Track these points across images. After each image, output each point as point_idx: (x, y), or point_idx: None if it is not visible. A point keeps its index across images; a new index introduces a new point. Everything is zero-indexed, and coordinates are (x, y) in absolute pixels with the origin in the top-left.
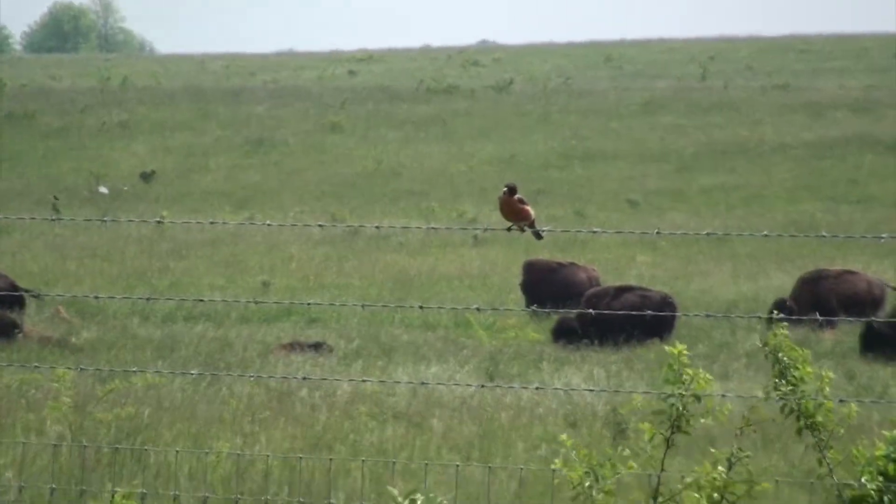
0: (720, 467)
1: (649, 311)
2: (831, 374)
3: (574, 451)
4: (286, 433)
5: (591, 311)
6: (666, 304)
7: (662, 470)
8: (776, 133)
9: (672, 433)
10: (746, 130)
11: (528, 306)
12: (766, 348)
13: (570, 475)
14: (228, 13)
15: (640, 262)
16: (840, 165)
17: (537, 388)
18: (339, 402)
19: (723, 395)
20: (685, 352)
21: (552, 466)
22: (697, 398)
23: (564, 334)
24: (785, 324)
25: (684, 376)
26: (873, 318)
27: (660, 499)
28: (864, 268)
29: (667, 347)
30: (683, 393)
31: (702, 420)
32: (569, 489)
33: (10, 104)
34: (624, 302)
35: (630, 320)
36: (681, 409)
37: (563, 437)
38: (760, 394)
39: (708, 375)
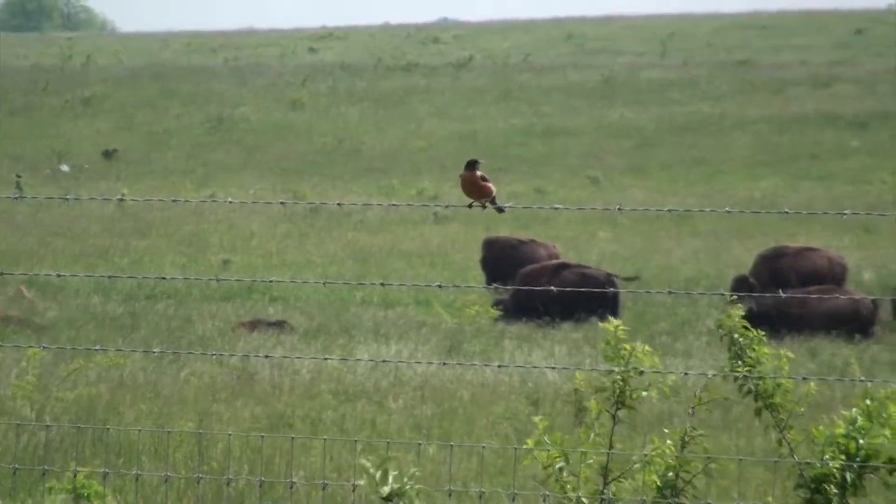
0: (670, 443)
1: (587, 290)
2: (790, 354)
3: (546, 435)
4: (248, 412)
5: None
6: (608, 282)
7: (611, 448)
8: (737, 109)
9: (617, 409)
10: (707, 107)
11: (488, 284)
12: (721, 330)
13: (541, 456)
14: None
15: (602, 238)
16: (801, 141)
17: (499, 367)
18: (300, 380)
19: (686, 373)
20: (622, 327)
21: (524, 446)
22: (639, 372)
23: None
24: (739, 305)
25: (622, 351)
26: (836, 295)
27: (610, 476)
28: (825, 244)
29: (601, 324)
30: (623, 369)
31: (644, 393)
32: (539, 469)
33: None
34: (563, 280)
35: (567, 299)
36: (622, 384)
37: (537, 419)
38: (714, 373)
39: (647, 348)
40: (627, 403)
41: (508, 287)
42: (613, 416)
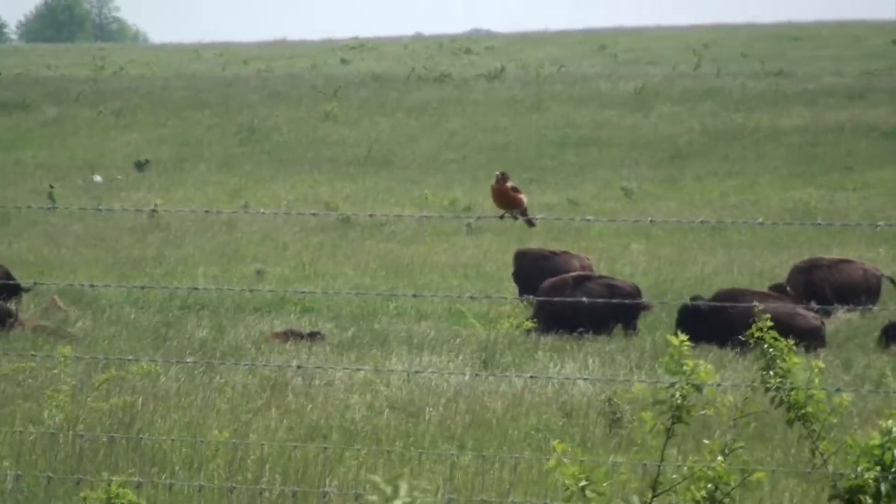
0: (719, 457)
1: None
2: (821, 365)
3: (566, 458)
4: (281, 422)
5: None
6: (636, 292)
7: (662, 461)
8: (771, 120)
9: (672, 423)
10: (741, 118)
11: (521, 295)
12: (752, 340)
13: (564, 473)
14: (221, 2)
15: (634, 250)
16: (835, 152)
17: (531, 378)
18: (333, 391)
19: (718, 385)
20: (686, 342)
21: (545, 467)
22: (698, 389)
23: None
24: (768, 315)
25: (685, 366)
26: (869, 307)
27: (658, 489)
28: (859, 256)
29: (668, 337)
30: (685, 385)
31: (703, 412)
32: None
33: (5, 93)
34: (587, 292)
35: (595, 311)
36: (681, 399)
37: (555, 443)
38: (754, 384)
39: (709, 366)
40: (684, 419)
41: (540, 298)
42: (668, 430)
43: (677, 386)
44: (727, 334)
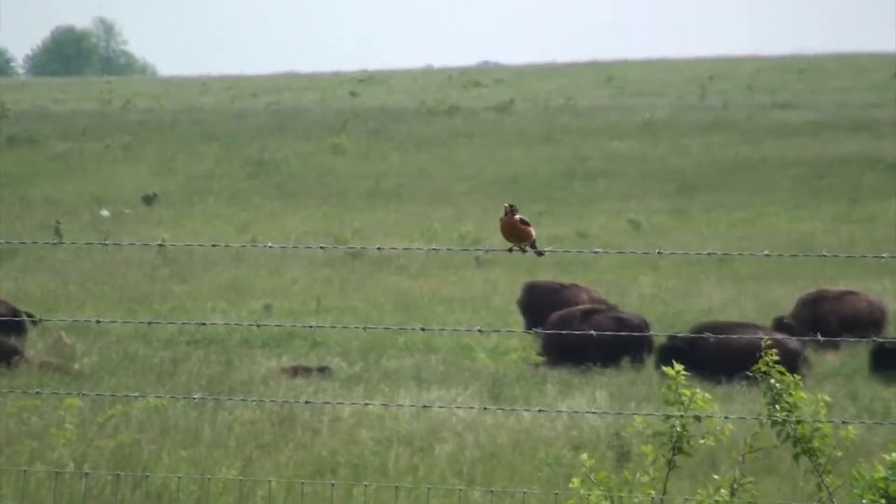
0: (723, 490)
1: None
2: (827, 398)
3: (593, 474)
4: (289, 458)
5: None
6: (643, 325)
7: (665, 493)
8: (777, 152)
9: (674, 455)
10: (747, 149)
11: (528, 329)
12: (758, 374)
13: (588, 496)
14: (230, 35)
15: (643, 282)
16: (840, 184)
17: (540, 411)
18: (342, 426)
19: (725, 418)
20: (683, 372)
21: (570, 486)
22: (697, 419)
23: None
24: (774, 349)
25: (682, 397)
26: (875, 339)
27: None
28: (865, 288)
29: (665, 368)
30: (683, 414)
31: (702, 441)
32: None
33: (12, 127)
34: (595, 325)
35: (598, 344)
36: (681, 430)
37: (584, 456)
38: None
39: (707, 395)
40: (685, 449)
41: (549, 332)
42: (669, 462)
43: (675, 416)
44: (711, 368)
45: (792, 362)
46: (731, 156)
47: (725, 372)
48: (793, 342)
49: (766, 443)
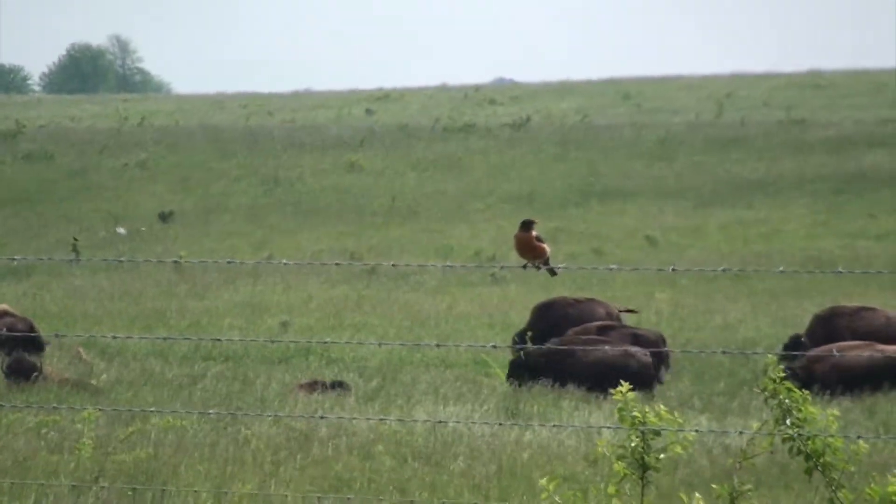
0: (698, 495)
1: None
2: (836, 413)
3: (558, 496)
4: (305, 473)
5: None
6: (660, 341)
7: None
8: (794, 168)
9: (644, 471)
10: (764, 166)
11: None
12: (766, 392)
13: None
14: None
15: (659, 299)
16: (858, 201)
17: (555, 427)
18: (358, 441)
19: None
20: (631, 389)
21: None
22: (656, 433)
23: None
24: (781, 366)
25: (635, 413)
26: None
27: None
28: (882, 304)
29: (612, 391)
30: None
31: (662, 455)
32: None
33: (29, 145)
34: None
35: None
36: (641, 446)
37: (543, 481)
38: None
39: (662, 408)
40: (653, 465)
41: (563, 347)
42: (641, 479)
43: (632, 435)
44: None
45: (643, 376)
46: (747, 173)
47: (583, 383)
48: (645, 356)
49: (763, 449)
